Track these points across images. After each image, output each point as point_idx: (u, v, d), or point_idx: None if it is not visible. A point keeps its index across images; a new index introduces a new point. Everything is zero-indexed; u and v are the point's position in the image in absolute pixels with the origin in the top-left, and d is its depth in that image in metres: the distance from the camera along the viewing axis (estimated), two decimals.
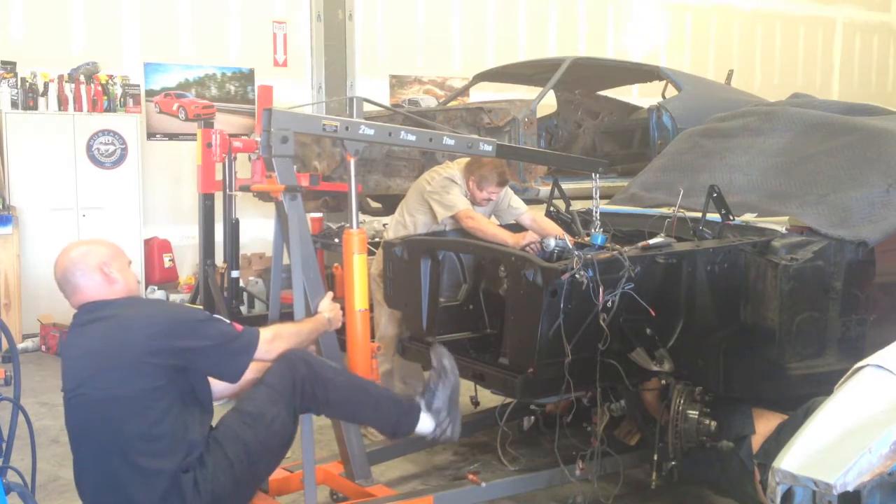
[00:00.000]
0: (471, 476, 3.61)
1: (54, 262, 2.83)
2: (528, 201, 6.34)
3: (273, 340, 2.82)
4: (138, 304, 2.83)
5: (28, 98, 7.44)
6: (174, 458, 2.57)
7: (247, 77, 8.97)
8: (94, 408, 2.63)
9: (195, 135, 7.39)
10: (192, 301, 7.47)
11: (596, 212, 4.00)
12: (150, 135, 8.50)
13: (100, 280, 2.74)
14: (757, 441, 3.33)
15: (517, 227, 4.51)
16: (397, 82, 9.83)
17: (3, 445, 2.96)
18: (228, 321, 2.85)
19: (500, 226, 4.48)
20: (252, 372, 2.82)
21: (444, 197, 4.38)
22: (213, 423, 2.79)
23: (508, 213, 4.67)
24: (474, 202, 4.48)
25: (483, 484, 3.55)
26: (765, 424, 3.36)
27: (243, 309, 7.24)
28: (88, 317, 2.75)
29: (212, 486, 2.58)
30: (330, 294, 3.32)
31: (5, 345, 3.10)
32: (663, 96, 7.75)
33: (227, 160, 7.04)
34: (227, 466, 2.62)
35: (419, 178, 4.73)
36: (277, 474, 3.40)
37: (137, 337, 2.60)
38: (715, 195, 3.78)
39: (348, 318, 3.33)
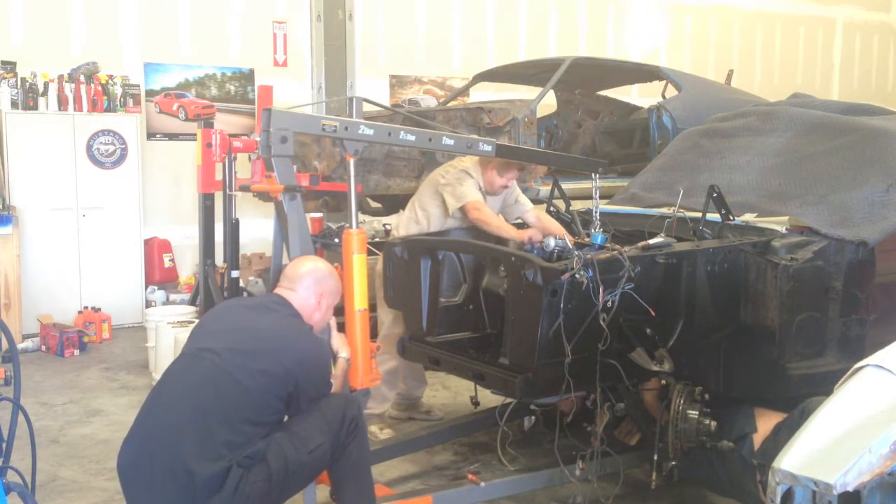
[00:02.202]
0: (470, 476, 3.61)
1: (307, 257, 3.25)
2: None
3: None
4: (309, 335, 3.06)
5: (28, 98, 7.45)
6: (242, 452, 2.68)
7: (247, 77, 8.97)
8: (220, 376, 2.77)
9: (195, 135, 7.40)
10: (192, 301, 7.48)
11: (596, 212, 4.00)
12: (150, 135, 8.50)
13: (313, 303, 3.12)
14: (758, 439, 3.33)
15: (521, 225, 4.54)
16: (397, 82, 9.83)
17: (3, 445, 2.96)
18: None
19: None
20: None
21: (457, 189, 4.41)
22: None
23: (515, 208, 4.71)
24: (491, 191, 4.52)
25: (482, 483, 3.55)
26: (766, 423, 3.36)
27: None
28: (272, 304, 3.06)
29: (249, 489, 2.67)
30: (335, 329, 3.33)
31: (5, 345, 3.10)
32: (663, 96, 7.76)
33: (227, 160, 7.06)
34: (265, 477, 2.70)
35: (432, 173, 4.75)
36: None
37: (289, 358, 2.84)
38: (715, 195, 3.77)
39: (348, 318, 3.33)
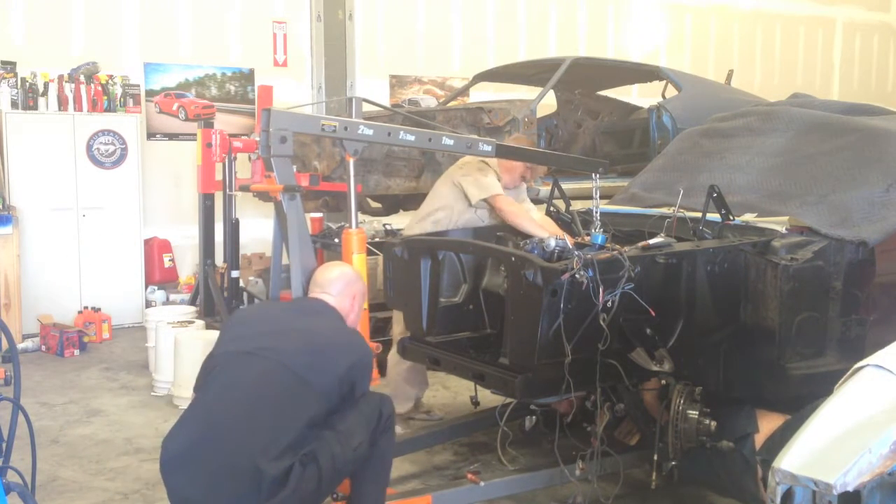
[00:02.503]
0: (470, 476, 3.61)
1: (333, 262, 3.39)
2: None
3: None
4: (362, 339, 3.21)
5: (28, 98, 7.45)
6: (301, 450, 2.71)
7: (247, 77, 8.97)
8: (285, 374, 2.82)
9: (195, 135, 7.41)
10: (192, 301, 7.48)
11: (596, 212, 4.00)
12: (150, 135, 8.51)
13: (348, 305, 3.22)
14: (760, 439, 3.33)
15: None
16: (397, 82, 9.83)
17: (3, 445, 2.96)
18: None
19: None
20: None
21: (481, 179, 4.43)
22: None
23: None
24: (511, 181, 4.58)
25: (482, 483, 3.54)
26: (768, 424, 3.35)
27: None
28: (317, 307, 3.14)
29: (304, 487, 2.71)
30: None
31: (5, 345, 3.10)
32: (663, 96, 7.76)
33: (227, 160, 7.06)
34: (317, 475, 2.74)
35: (447, 171, 4.77)
36: None
37: (349, 360, 2.94)
38: (715, 195, 3.77)
39: None
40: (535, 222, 4.36)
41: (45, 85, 7.50)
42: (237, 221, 7.13)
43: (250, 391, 2.82)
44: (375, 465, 3.05)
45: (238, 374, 2.89)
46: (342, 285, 3.20)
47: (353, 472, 3.02)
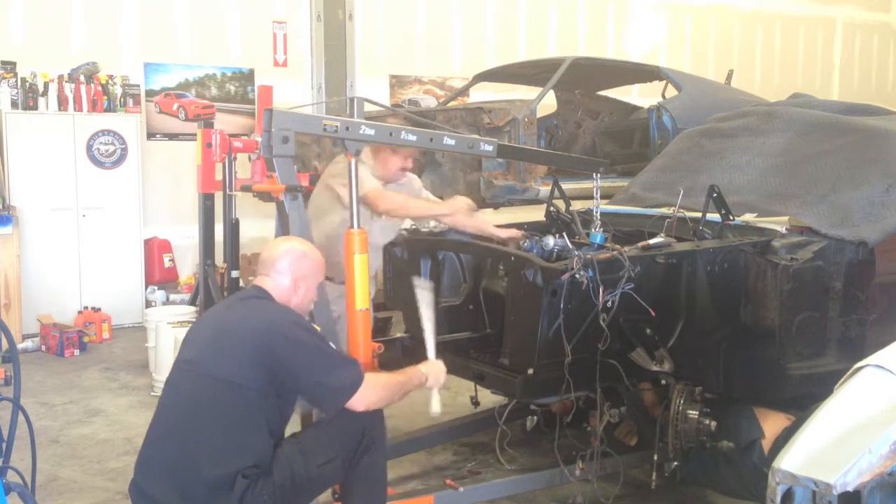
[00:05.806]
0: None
1: (280, 238, 3.18)
2: (529, 201, 6.33)
3: (374, 389, 2.82)
4: (273, 306, 2.89)
5: (28, 98, 7.45)
6: (244, 460, 2.63)
7: (247, 77, 8.97)
8: (203, 382, 2.73)
9: (195, 135, 7.40)
10: (192, 301, 7.48)
11: (597, 212, 4.00)
12: (150, 135, 8.50)
13: (289, 285, 2.94)
14: (766, 444, 3.32)
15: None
16: (397, 82, 9.83)
17: (3, 445, 2.96)
18: (346, 358, 2.95)
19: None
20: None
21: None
22: None
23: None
24: (387, 176, 4.09)
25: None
26: (772, 426, 3.35)
27: None
28: (246, 296, 2.96)
29: (254, 501, 2.62)
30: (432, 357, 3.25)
31: (5, 345, 3.10)
32: (663, 96, 7.75)
33: (227, 160, 7.06)
34: (271, 491, 2.64)
35: (317, 183, 4.27)
36: None
37: (251, 332, 2.72)
38: (715, 195, 3.77)
39: (349, 317, 3.33)
40: (425, 202, 4.00)
41: (45, 85, 7.50)
42: (237, 221, 7.12)
43: (180, 404, 2.77)
44: (363, 480, 2.89)
45: (171, 391, 2.86)
46: (284, 265, 2.93)
47: (343, 487, 2.92)
